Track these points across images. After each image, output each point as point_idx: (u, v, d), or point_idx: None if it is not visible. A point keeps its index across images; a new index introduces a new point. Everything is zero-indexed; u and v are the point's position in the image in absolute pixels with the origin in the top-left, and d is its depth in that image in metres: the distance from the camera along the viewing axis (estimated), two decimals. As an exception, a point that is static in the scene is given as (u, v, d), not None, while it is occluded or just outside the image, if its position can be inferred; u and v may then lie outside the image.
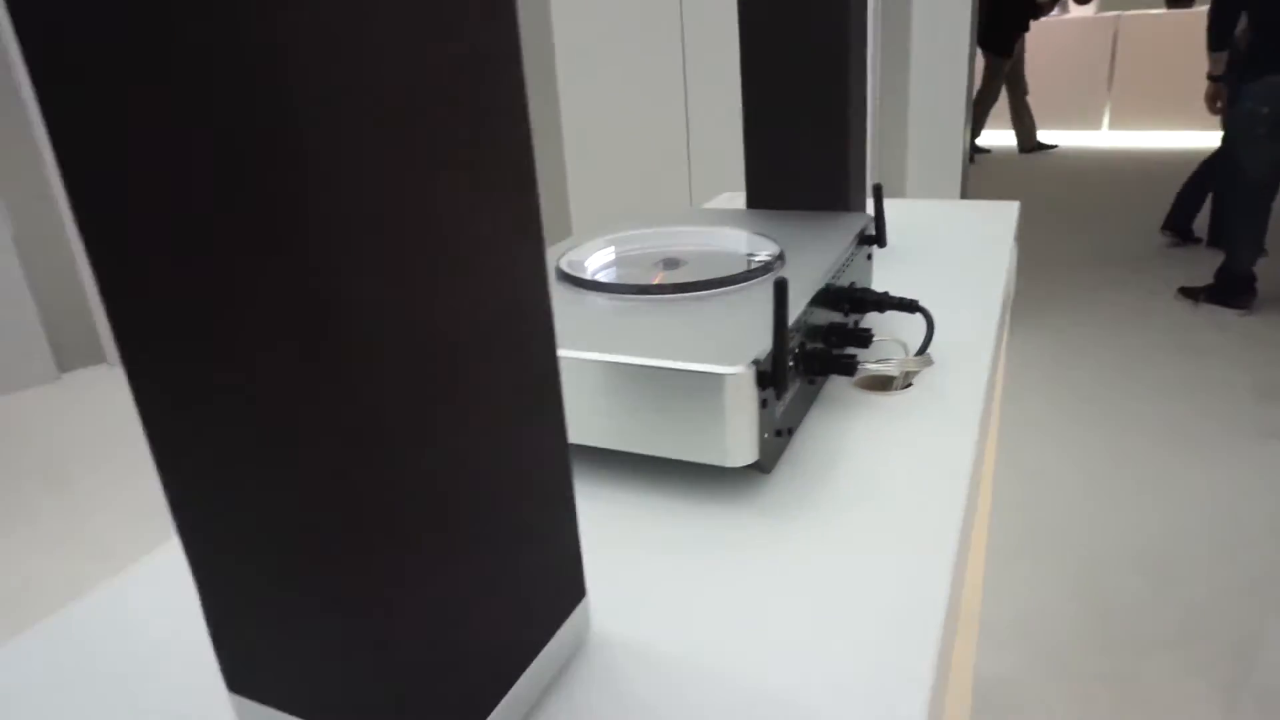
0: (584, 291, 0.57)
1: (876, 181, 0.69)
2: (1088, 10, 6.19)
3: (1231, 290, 3.06)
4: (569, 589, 0.34)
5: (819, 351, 0.57)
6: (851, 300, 0.64)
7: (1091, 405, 2.46)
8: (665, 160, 2.70)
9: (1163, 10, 5.61)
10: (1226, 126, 3.13)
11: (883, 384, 0.62)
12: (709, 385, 0.45)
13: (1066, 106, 5.99)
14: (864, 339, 0.60)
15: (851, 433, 0.55)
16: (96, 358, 3.32)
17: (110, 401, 2.96)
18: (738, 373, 0.44)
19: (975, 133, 5.79)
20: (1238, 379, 2.55)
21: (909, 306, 0.64)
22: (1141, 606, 1.69)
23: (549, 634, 0.33)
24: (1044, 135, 5.94)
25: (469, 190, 0.25)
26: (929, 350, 0.61)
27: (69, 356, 3.26)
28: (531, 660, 0.32)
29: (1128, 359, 2.74)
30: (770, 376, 0.46)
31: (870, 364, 0.56)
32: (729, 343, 0.47)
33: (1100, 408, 2.43)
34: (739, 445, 0.46)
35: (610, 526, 0.47)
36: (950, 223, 1.00)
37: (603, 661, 0.36)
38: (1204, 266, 3.45)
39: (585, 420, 0.49)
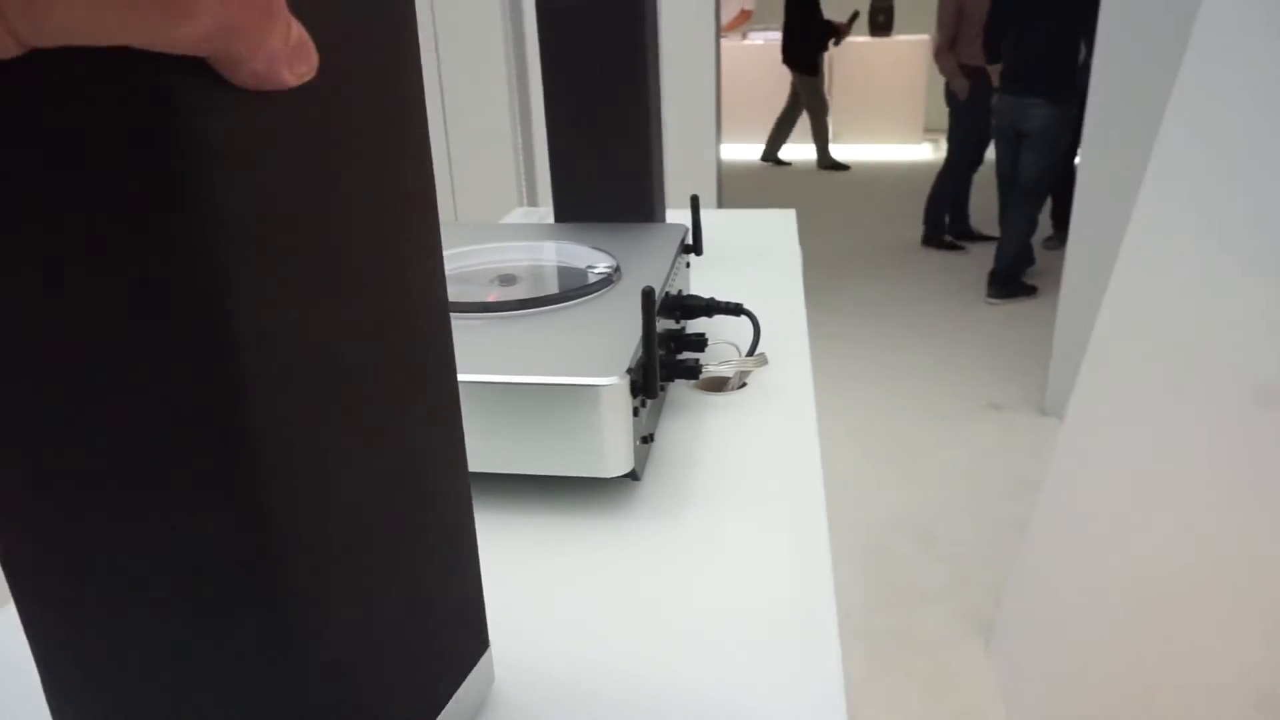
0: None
1: (694, 194, 0.71)
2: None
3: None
4: (471, 640, 0.32)
5: (663, 358, 0.59)
6: (682, 308, 0.66)
7: (865, 390, 2.71)
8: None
9: (868, 37, 6.33)
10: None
11: (718, 385, 0.65)
12: (584, 398, 0.45)
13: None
14: (699, 344, 0.63)
15: (703, 433, 0.57)
16: None
17: None
18: (613, 384, 0.45)
19: (776, 146, 6.13)
20: (976, 361, 2.92)
21: (735, 310, 0.67)
22: (914, 567, 1.88)
23: (450, 690, 0.30)
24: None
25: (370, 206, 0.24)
26: (759, 350, 0.65)
27: None
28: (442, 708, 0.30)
29: (891, 347, 3.05)
30: (642, 385, 0.47)
31: (713, 366, 0.59)
32: (592, 355, 0.47)
33: (870, 392, 2.69)
34: (615, 455, 0.46)
35: (487, 553, 0.45)
36: (735, 229, 1.06)
37: (512, 705, 0.35)
38: (962, 264, 3.92)
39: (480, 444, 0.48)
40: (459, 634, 0.30)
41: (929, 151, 6.35)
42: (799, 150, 6.15)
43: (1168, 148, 1.20)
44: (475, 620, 0.32)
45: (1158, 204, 1.21)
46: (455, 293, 0.58)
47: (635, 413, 0.48)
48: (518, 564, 0.44)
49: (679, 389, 0.64)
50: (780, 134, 6.11)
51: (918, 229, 4.14)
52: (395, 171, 0.25)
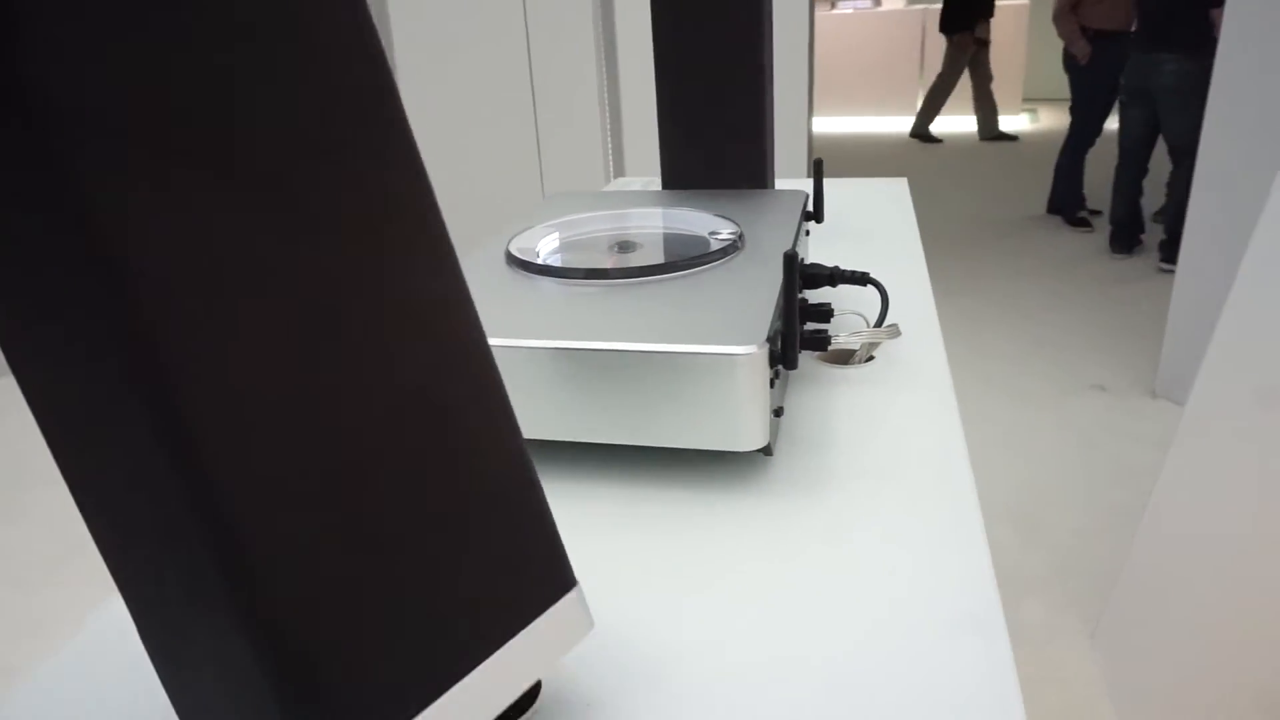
0: (539, 278, 0.53)
1: (818, 157, 0.68)
2: (899, 3, 6.59)
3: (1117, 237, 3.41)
4: (547, 579, 0.29)
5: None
6: (805, 277, 0.63)
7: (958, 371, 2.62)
8: (514, 158, 2.64)
9: None
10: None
11: (844, 357, 0.61)
12: (721, 368, 0.42)
13: (881, 92, 6.36)
14: (825, 314, 0.59)
15: (834, 408, 0.54)
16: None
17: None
18: (751, 353, 0.42)
19: (928, 120, 5.68)
20: (1072, 340, 2.80)
21: (861, 280, 0.64)
22: (1014, 554, 1.81)
23: (522, 623, 0.28)
24: (865, 121, 6.24)
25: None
26: (887, 321, 0.61)
27: None
28: (498, 647, 0.27)
29: (976, 327, 2.94)
30: (780, 355, 0.44)
31: (844, 337, 0.56)
32: (727, 322, 0.45)
33: (964, 373, 2.60)
34: (751, 429, 0.44)
35: (615, 527, 0.43)
36: (844, 199, 1.02)
37: (637, 677, 0.33)
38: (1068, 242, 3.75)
39: (573, 415, 0.46)
40: (530, 571, 0.28)
41: (1025, 122, 6.08)
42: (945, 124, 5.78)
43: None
44: (548, 560, 0.29)
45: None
46: (571, 260, 0.56)
47: (771, 384, 0.45)
48: (646, 540, 0.42)
49: (804, 361, 0.61)
50: (933, 107, 5.64)
51: (1019, 203, 3.97)
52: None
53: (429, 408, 0.25)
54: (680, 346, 0.43)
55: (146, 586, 0.24)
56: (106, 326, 0.19)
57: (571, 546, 0.42)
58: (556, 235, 0.62)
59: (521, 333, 0.45)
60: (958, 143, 5.71)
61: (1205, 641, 1.15)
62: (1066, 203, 3.85)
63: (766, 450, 0.47)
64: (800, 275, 0.63)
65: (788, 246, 0.57)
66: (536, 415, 0.46)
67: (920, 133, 5.77)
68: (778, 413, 0.49)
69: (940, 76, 5.48)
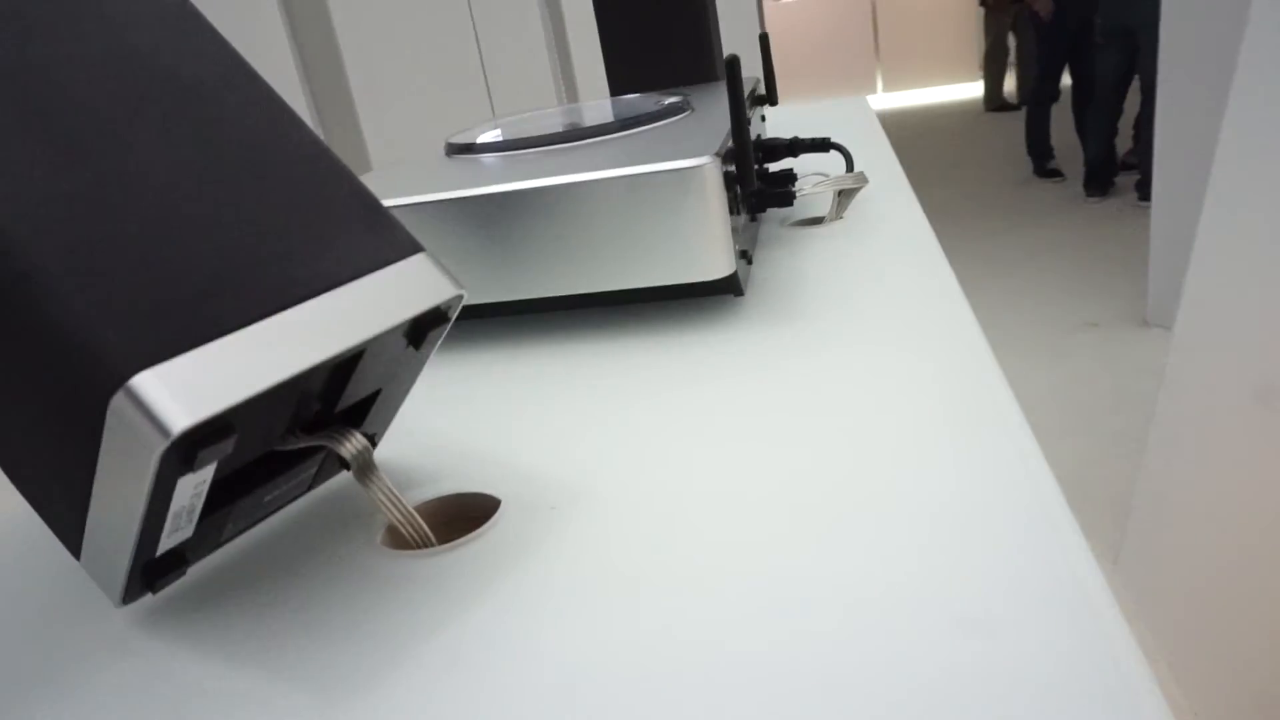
0: (481, 156, 0.50)
1: (762, 31, 0.65)
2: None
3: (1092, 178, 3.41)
4: (381, 242, 0.27)
5: (753, 190, 0.53)
6: (764, 149, 0.60)
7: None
8: (460, 82, 2.59)
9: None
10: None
11: (814, 222, 0.58)
12: (676, 185, 0.39)
13: (840, 75, 6.38)
14: (787, 179, 0.57)
15: (808, 260, 0.50)
16: None
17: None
18: (705, 163, 0.39)
19: (998, 88, 5.44)
20: (1060, 283, 2.78)
21: (822, 146, 0.61)
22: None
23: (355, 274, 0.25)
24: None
25: None
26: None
27: None
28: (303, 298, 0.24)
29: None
30: (737, 175, 0.41)
31: (809, 186, 0.53)
32: (679, 150, 0.42)
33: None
34: (714, 254, 0.41)
35: (598, 379, 0.40)
36: (803, 122, 0.99)
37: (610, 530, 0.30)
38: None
39: (537, 269, 0.43)
40: (336, 233, 0.26)
41: (983, 88, 6.11)
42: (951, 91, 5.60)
43: (1259, 37, 1.08)
44: (372, 224, 0.27)
45: (1253, 95, 1.10)
46: (519, 137, 0.53)
47: (732, 209, 0.42)
48: (621, 384, 0.38)
49: (773, 229, 0.58)
50: (996, 74, 5.43)
51: (1001, 168, 3.97)
52: None
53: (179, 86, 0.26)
54: (631, 169, 0.40)
55: None
56: None
57: (546, 401, 0.39)
58: (498, 130, 0.59)
59: (463, 185, 0.42)
60: (952, 112, 5.73)
61: (1224, 558, 1.12)
62: (1036, 154, 3.86)
63: (735, 289, 0.44)
64: (759, 149, 0.60)
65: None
66: (490, 276, 0.43)
67: (995, 105, 5.59)
68: (746, 257, 0.46)
69: (989, 46, 5.31)
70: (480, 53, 2.40)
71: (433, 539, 0.29)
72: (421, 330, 0.26)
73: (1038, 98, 3.74)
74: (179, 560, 0.27)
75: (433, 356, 0.46)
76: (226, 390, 0.21)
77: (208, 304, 0.22)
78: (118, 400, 0.20)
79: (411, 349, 0.27)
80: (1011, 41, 5.12)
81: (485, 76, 2.36)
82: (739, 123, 0.41)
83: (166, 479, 0.21)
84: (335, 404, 0.27)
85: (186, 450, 0.20)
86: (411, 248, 0.27)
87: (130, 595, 0.27)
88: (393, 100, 2.57)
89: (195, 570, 0.29)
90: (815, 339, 0.39)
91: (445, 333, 0.28)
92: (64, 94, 0.23)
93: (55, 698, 0.25)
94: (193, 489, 0.23)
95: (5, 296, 0.21)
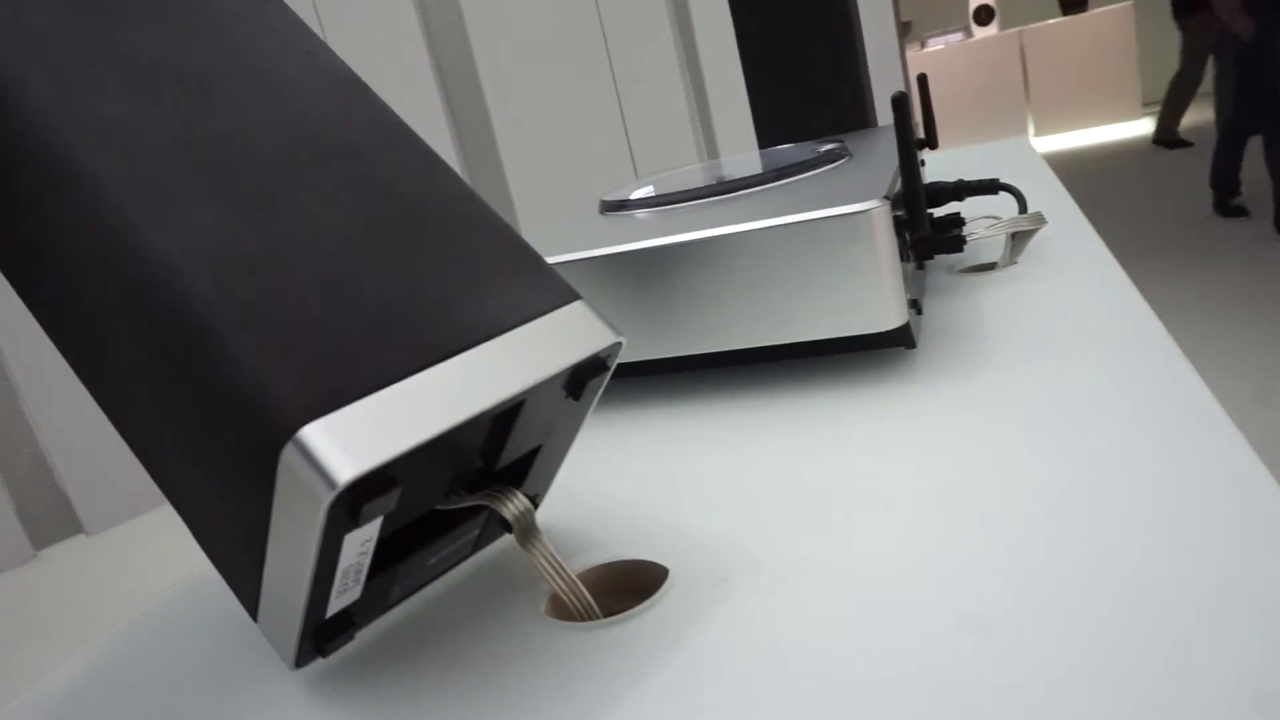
0: (635, 212, 0.50)
1: (921, 73, 0.63)
2: (991, 30, 6.46)
3: None
4: (540, 290, 0.27)
5: (922, 237, 0.50)
6: (926, 194, 0.57)
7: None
8: (603, 141, 2.64)
9: (1060, 19, 5.89)
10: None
11: (986, 269, 0.54)
12: (842, 232, 0.37)
13: (988, 121, 6.18)
14: (955, 223, 0.53)
15: (983, 308, 0.47)
16: (73, 529, 3.15)
17: (89, 572, 2.78)
18: (874, 208, 0.37)
19: (1174, 122, 4.84)
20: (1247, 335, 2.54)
21: (990, 188, 0.57)
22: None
23: (515, 322, 0.25)
24: (980, 146, 6.01)
25: None
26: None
27: (43, 532, 3.08)
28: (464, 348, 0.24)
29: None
30: (906, 219, 0.39)
31: (981, 230, 0.49)
32: (843, 196, 0.40)
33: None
34: (885, 304, 0.38)
35: (763, 439, 0.38)
36: (960, 166, 0.95)
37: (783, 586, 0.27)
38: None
39: (697, 325, 0.41)
40: (498, 281, 0.26)
41: (1149, 125, 5.74)
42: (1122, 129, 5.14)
43: None
44: (531, 274, 0.27)
45: None
46: (673, 191, 0.53)
47: (901, 256, 0.39)
48: (785, 455, 0.36)
49: (939, 278, 0.54)
50: (1178, 106, 4.81)
51: (1155, 203, 3.70)
52: None
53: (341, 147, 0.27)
54: (794, 218, 0.38)
55: (116, 386, 0.25)
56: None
57: (709, 462, 0.37)
58: (650, 186, 0.58)
59: (619, 240, 0.42)
60: (1115, 152, 5.44)
61: None
62: (1222, 188, 3.55)
63: (908, 341, 0.41)
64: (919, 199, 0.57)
65: (894, 161, 0.51)
66: (649, 333, 0.42)
67: (1166, 138, 4.98)
68: (916, 306, 0.43)
69: (1180, 71, 4.68)
70: (622, 111, 2.47)
71: (597, 610, 0.27)
72: (581, 380, 0.26)
73: (1236, 127, 3.44)
74: (348, 623, 0.26)
75: (592, 415, 0.45)
76: (391, 440, 0.20)
77: (372, 355, 0.22)
78: (287, 452, 0.20)
79: (571, 400, 0.27)
80: (1209, 68, 4.59)
81: (627, 134, 2.42)
82: (909, 162, 0.38)
83: (334, 533, 0.21)
84: (495, 461, 0.27)
85: (352, 504, 0.20)
86: (569, 295, 0.26)
87: (303, 659, 0.26)
88: (538, 160, 2.69)
89: (362, 634, 0.29)
90: (1002, 392, 0.36)
91: (604, 384, 0.27)
92: (243, 160, 0.25)
93: (229, 762, 0.25)
94: (359, 546, 0.23)
95: (187, 349, 0.21)
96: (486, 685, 0.25)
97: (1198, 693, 0.19)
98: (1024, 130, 6.01)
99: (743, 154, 0.64)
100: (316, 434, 0.20)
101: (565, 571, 0.27)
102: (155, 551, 2.84)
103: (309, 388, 0.20)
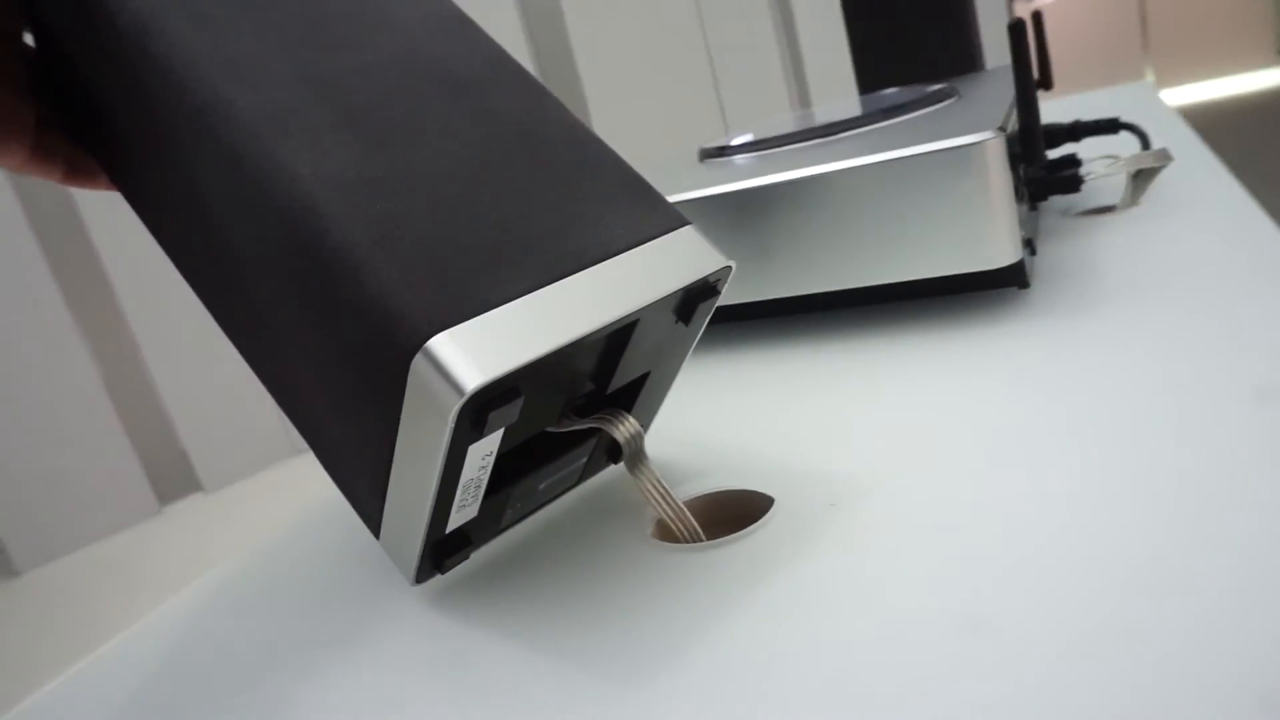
0: (736, 157, 0.49)
1: (1036, 8, 0.59)
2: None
3: None
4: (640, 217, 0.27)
5: (1035, 177, 0.48)
6: (1043, 135, 0.55)
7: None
8: (692, 92, 2.60)
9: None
10: None
11: (1104, 211, 0.52)
12: (956, 165, 0.36)
13: (1101, 73, 5.84)
14: (1073, 163, 0.51)
15: (1102, 250, 0.45)
16: (193, 487, 3.35)
17: (207, 529, 2.97)
18: (988, 139, 0.36)
19: None
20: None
21: (1109, 127, 0.54)
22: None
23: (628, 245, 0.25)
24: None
25: None
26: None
27: (167, 489, 3.30)
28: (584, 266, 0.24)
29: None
30: (1024, 145, 0.37)
31: (1100, 167, 0.47)
32: (953, 129, 0.38)
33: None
34: (998, 240, 0.37)
35: (870, 378, 0.37)
36: (1078, 106, 0.90)
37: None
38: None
39: (804, 266, 0.41)
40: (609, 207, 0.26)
41: (1287, 74, 5.31)
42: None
43: None
44: (642, 199, 0.27)
45: None
46: (774, 135, 0.52)
47: (1016, 193, 0.38)
48: (891, 394, 0.36)
49: (1054, 221, 0.52)
50: None
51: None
52: None
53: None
54: (904, 151, 0.37)
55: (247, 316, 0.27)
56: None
57: (815, 400, 0.37)
58: (749, 133, 0.58)
59: (722, 182, 0.41)
60: (1248, 105, 5.09)
61: None
62: None
63: (1020, 280, 0.40)
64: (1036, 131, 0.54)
65: (1006, 102, 0.49)
66: (753, 275, 0.42)
67: None
68: (1030, 246, 0.41)
69: None
70: (711, 60, 2.42)
71: (702, 535, 0.27)
72: (691, 303, 0.26)
73: None
74: (464, 541, 0.27)
75: (697, 356, 0.46)
76: (516, 351, 0.21)
77: (494, 273, 0.22)
78: (418, 361, 0.21)
79: (680, 325, 0.27)
80: None
81: (716, 85, 2.38)
82: (1026, 93, 0.37)
83: (459, 444, 0.22)
84: (607, 385, 0.27)
85: (477, 412, 0.21)
86: (680, 220, 0.27)
87: (422, 575, 0.28)
88: (626, 111, 2.67)
89: (477, 556, 0.30)
90: (1122, 333, 0.34)
91: (712, 310, 0.27)
92: (364, 95, 0.26)
93: (346, 655, 0.26)
94: (481, 459, 0.23)
95: (323, 269, 0.22)
96: (593, 602, 0.26)
97: (1199, 690, 0.18)
98: (1139, 74, 5.66)
99: (845, 100, 0.62)
100: (445, 344, 0.21)
101: (671, 497, 0.27)
102: (269, 509, 3.00)
103: (438, 302, 0.21)
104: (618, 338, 0.25)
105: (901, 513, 0.26)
